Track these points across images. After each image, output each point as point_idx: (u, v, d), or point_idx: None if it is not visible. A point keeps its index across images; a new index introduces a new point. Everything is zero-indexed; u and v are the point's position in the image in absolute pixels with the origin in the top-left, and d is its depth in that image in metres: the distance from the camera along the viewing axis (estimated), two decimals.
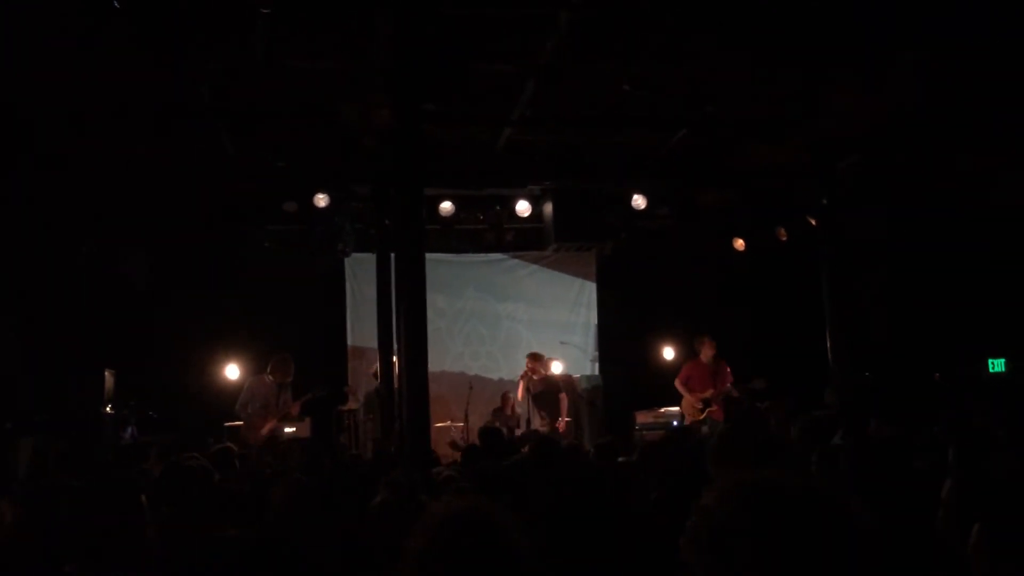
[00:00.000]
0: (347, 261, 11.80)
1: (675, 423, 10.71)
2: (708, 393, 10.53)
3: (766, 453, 2.88)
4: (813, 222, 10.37)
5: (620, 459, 5.66)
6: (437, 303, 11.49)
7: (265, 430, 9.36)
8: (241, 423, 9.60)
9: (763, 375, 10.45)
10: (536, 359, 10.80)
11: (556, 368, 11.63)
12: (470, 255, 12.34)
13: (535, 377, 10.71)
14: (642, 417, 11.01)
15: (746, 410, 9.75)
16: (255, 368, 10.28)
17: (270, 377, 9.68)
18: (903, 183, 10.00)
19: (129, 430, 10.02)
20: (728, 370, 10.66)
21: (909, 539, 2.57)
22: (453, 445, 10.20)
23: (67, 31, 6.57)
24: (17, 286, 9.65)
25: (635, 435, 10.48)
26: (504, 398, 11.12)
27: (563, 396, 10.82)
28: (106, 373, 9.91)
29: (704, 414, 10.47)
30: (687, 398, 10.66)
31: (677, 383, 10.77)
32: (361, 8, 6.53)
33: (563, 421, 10.62)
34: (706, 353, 10.67)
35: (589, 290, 12.79)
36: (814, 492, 1.31)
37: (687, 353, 11.32)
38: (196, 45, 7.00)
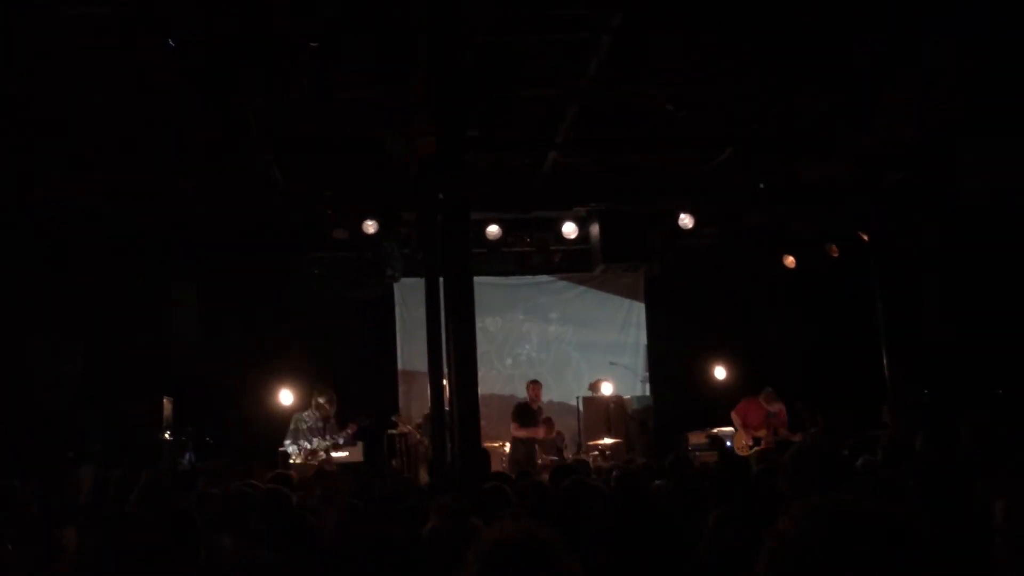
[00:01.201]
0: (396, 286, 11.91)
1: (728, 443, 10.59)
2: (761, 432, 10.52)
3: (843, 475, 2.84)
4: (865, 238, 10.20)
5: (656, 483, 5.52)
6: (486, 326, 11.52)
7: (315, 462, 9.44)
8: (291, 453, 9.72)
9: (807, 400, 10.38)
10: (532, 384, 10.72)
11: (606, 389, 11.56)
12: (518, 277, 12.37)
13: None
14: (694, 437, 10.90)
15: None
16: (307, 394, 10.39)
17: (315, 412, 9.78)
18: (954, 196, 9.78)
19: (187, 456, 10.20)
20: (784, 413, 10.61)
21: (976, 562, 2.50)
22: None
23: (121, 66, 6.77)
24: (77, 319, 9.92)
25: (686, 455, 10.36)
26: (548, 422, 10.95)
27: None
28: (164, 401, 10.11)
29: (752, 452, 10.33)
30: (740, 432, 10.70)
31: (733, 415, 10.79)
32: (404, 38, 6.62)
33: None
34: (767, 400, 10.63)
35: (638, 310, 12.72)
36: (891, 515, 1.30)
37: (740, 375, 11.20)
38: (246, 78, 7.16)
